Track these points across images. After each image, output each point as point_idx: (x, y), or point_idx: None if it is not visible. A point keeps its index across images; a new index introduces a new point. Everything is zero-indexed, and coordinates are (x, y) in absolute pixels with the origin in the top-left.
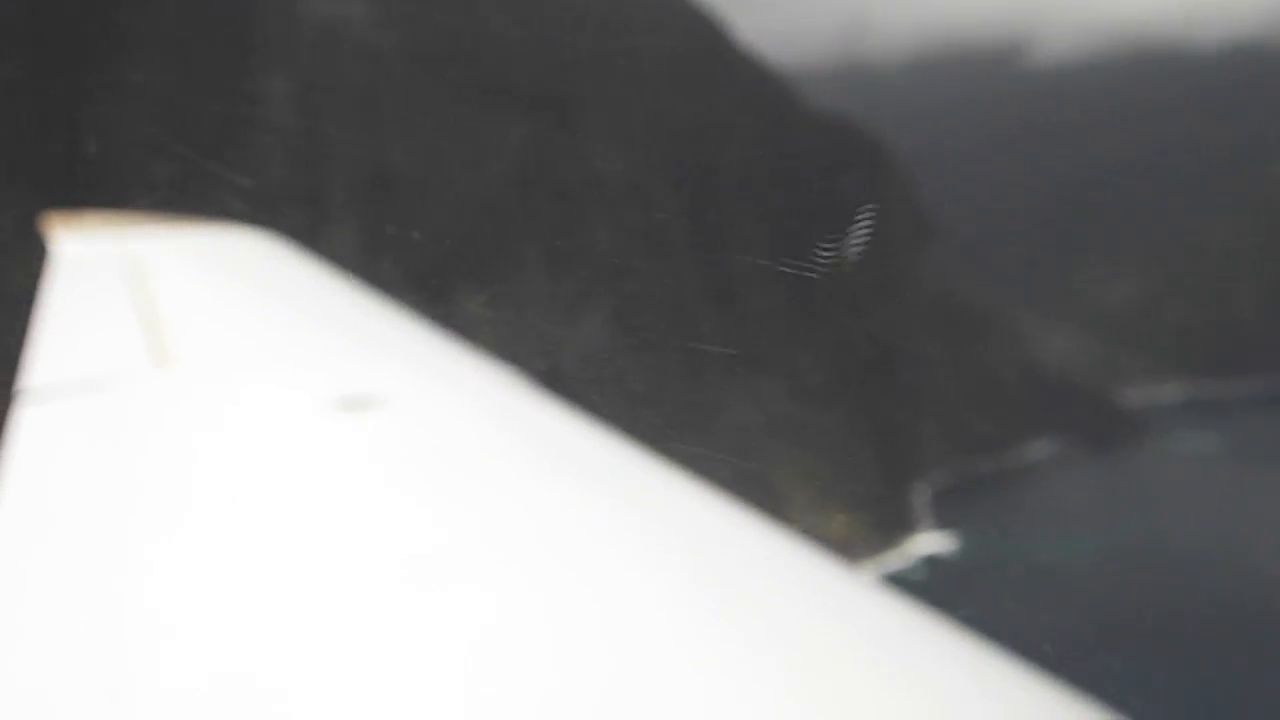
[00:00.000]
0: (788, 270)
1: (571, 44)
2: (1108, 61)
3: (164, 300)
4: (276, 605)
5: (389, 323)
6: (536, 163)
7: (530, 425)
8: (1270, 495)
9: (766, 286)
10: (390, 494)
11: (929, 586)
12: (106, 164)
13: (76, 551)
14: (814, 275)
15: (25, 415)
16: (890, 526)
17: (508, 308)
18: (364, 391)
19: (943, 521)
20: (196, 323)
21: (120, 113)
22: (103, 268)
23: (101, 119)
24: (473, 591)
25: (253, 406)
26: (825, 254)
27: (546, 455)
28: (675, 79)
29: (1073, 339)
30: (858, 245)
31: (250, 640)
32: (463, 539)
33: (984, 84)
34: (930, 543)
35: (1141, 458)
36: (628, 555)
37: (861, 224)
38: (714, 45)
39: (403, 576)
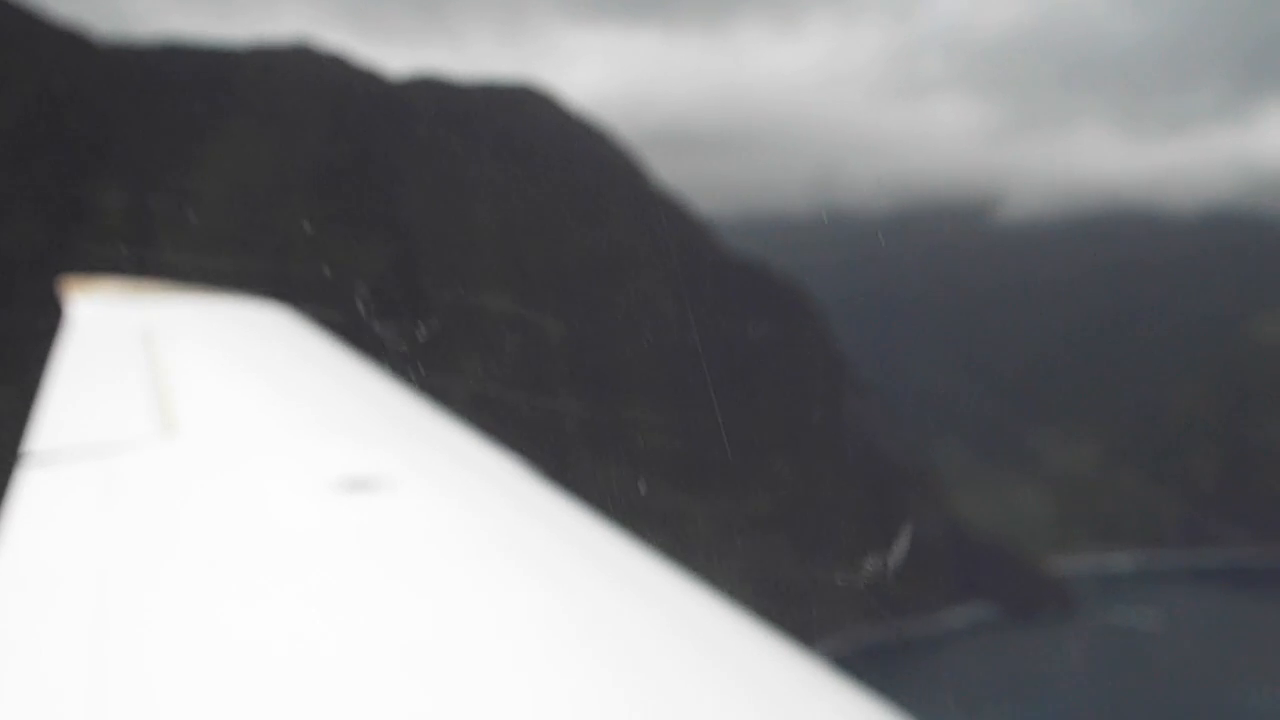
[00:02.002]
0: (684, 413)
1: (463, 167)
2: (1076, 222)
3: (173, 368)
4: (267, 686)
5: (394, 399)
6: (408, 287)
7: (531, 511)
8: (1197, 676)
9: (661, 429)
10: (384, 579)
11: None
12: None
13: (67, 617)
14: (713, 420)
15: (28, 477)
16: None
17: None
18: (367, 472)
19: None
20: (205, 392)
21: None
22: (115, 333)
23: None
24: (464, 680)
25: (255, 482)
26: (725, 401)
27: (545, 542)
28: (580, 211)
29: (1021, 502)
30: (763, 392)
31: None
32: (454, 628)
33: (951, 239)
34: None
35: (1067, 631)
36: (621, 648)
37: (768, 370)
38: (629, 184)
39: (391, 663)
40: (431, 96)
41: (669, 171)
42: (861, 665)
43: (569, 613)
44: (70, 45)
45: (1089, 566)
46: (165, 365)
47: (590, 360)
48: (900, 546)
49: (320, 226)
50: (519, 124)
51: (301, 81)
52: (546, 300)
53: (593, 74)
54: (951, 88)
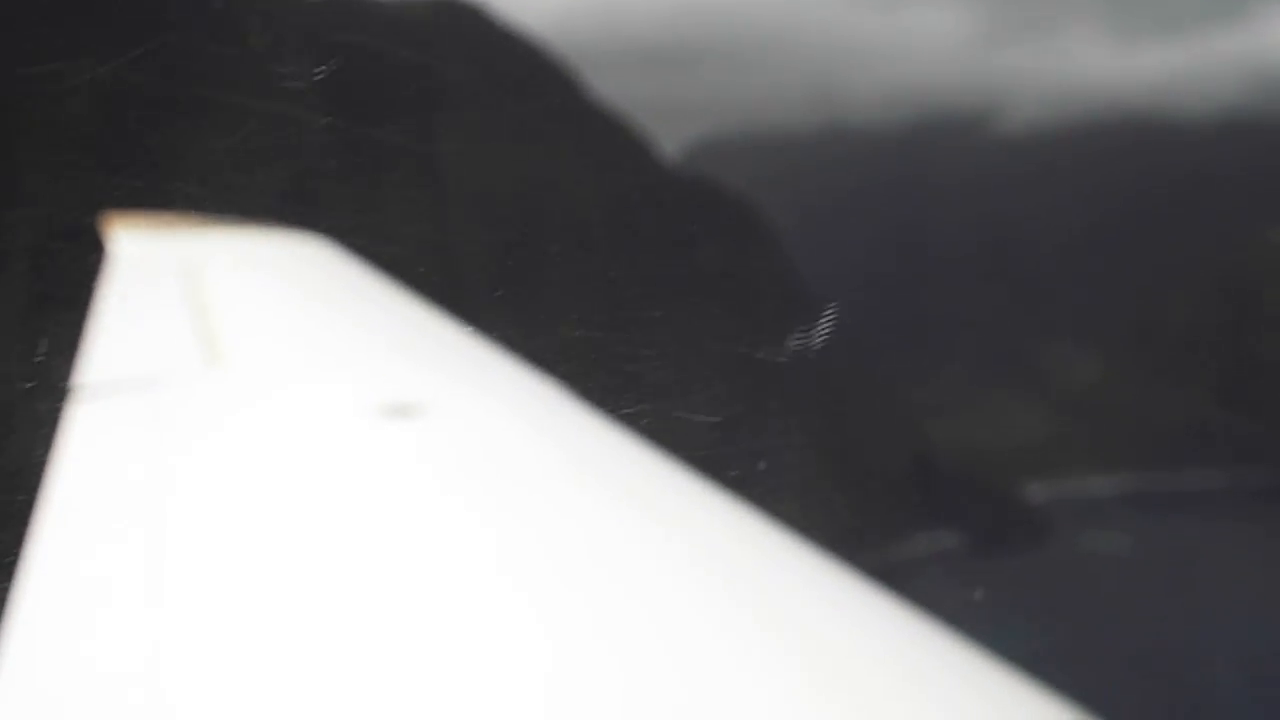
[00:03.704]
0: (618, 336)
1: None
2: (1081, 130)
3: (216, 301)
4: (313, 609)
5: (435, 329)
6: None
7: (570, 436)
8: (1168, 602)
9: (593, 360)
10: (437, 503)
11: None
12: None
13: (118, 544)
14: (650, 345)
15: (78, 411)
16: None
17: None
18: (408, 398)
19: None
20: (248, 324)
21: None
22: (158, 268)
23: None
24: (513, 603)
25: (298, 409)
26: (663, 325)
27: (582, 466)
28: (505, 129)
29: (1007, 423)
30: (706, 315)
31: (286, 646)
32: (499, 549)
33: (945, 153)
34: None
35: (1034, 558)
36: (657, 566)
37: (712, 292)
38: (563, 100)
39: (438, 582)
40: (347, 14)
41: (643, 89)
42: None
43: (619, 530)
44: None
45: (1072, 491)
46: (208, 297)
47: (513, 284)
48: (855, 469)
49: (208, 152)
50: (441, 40)
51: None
52: (466, 227)
53: None
54: None
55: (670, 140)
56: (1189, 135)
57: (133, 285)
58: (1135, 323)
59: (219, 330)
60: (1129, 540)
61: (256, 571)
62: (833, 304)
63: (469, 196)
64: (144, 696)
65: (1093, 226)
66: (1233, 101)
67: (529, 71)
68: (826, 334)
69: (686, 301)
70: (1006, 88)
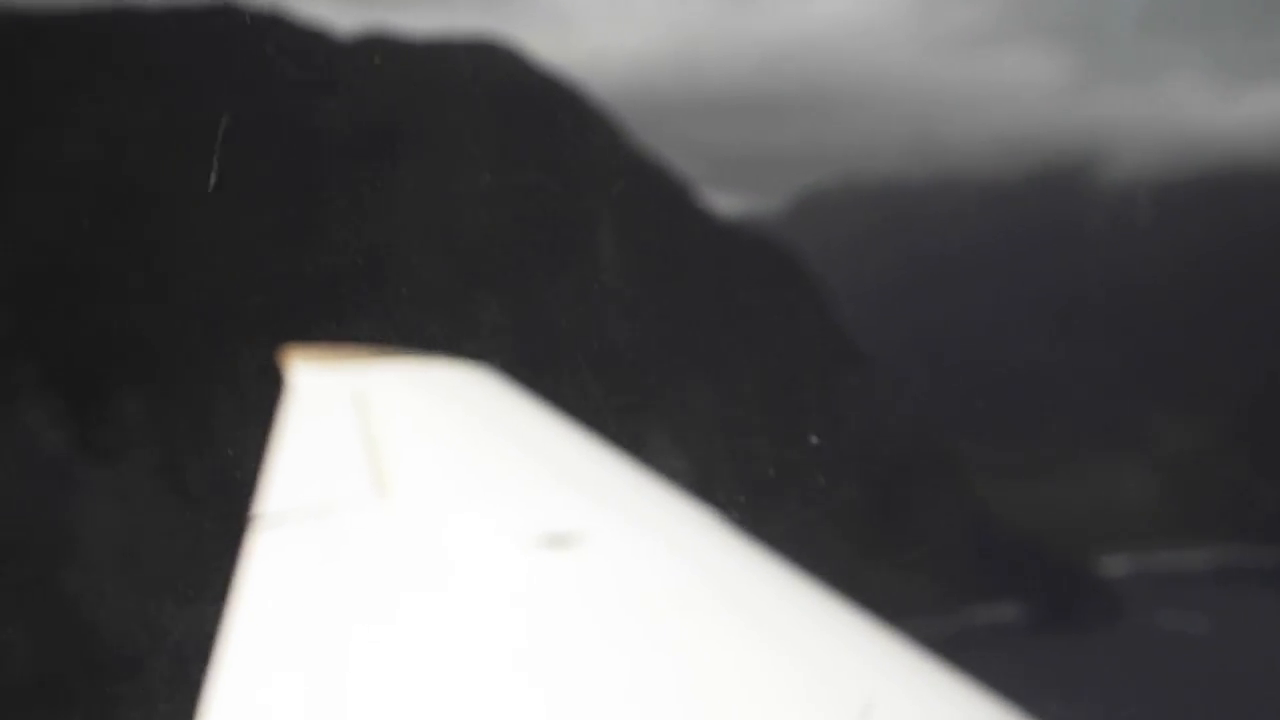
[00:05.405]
0: (646, 391)
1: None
2: (1187, 180)
3: (386, 432)
4: None
5: (598, 458)
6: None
7: (715, 565)
8: (1237, 687)
9: (635, 414)
10: (597, 640)
11: None
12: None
13: (298, 669)
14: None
15: (258, 540)
16: None
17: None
18: (568, 529)
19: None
20: (415, 455)
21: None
22: (332, 399)
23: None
24: None
25: (461, 540)
26: (693, 378)
27: (724, 597)
28: (539, 173)
29: (1101, 491)
30: (741, 366)
31: None
32: (643, 683)
33: (1052, 203)
34: None
35: (1099, 634)
36: (789, 695)
37: (748, 342)
38: (600, 144)
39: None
40: (381, 55)
41: (735, 140)
42: None
43: (780, 663)
44: None
45: (1156, 564)
46: (378, 429)
47: (539, 339)
48: (916, 536)
49: (225, 194)
50: (476, 82)
51: (223, 44)
52: (492, 273)
53: (599, 39)
54: (1014, 37)
55: (772, 192)
56: None
57: (309, 416)
58: (1239, 386)
59: (388, 461)
60: (1209, 619)
61: (424, 702)
62: (889, 359)
63: (490, 240)
64: None
65: (1198, 283)
66: None
67: (563, 116)
68: (885, 390)
69: (729, 354)
70: (1106, 135)
